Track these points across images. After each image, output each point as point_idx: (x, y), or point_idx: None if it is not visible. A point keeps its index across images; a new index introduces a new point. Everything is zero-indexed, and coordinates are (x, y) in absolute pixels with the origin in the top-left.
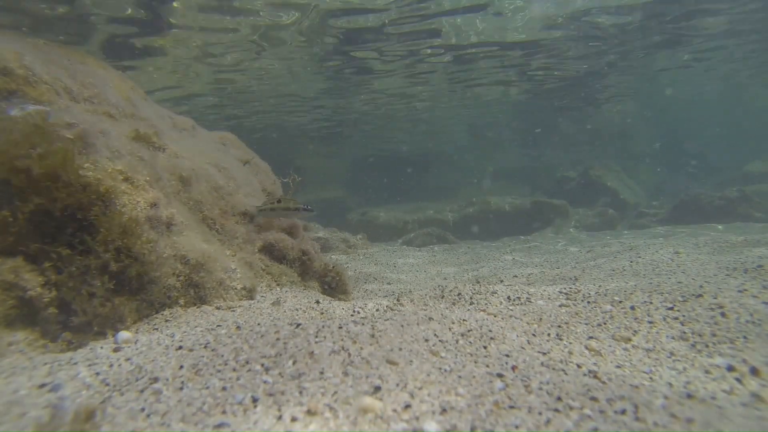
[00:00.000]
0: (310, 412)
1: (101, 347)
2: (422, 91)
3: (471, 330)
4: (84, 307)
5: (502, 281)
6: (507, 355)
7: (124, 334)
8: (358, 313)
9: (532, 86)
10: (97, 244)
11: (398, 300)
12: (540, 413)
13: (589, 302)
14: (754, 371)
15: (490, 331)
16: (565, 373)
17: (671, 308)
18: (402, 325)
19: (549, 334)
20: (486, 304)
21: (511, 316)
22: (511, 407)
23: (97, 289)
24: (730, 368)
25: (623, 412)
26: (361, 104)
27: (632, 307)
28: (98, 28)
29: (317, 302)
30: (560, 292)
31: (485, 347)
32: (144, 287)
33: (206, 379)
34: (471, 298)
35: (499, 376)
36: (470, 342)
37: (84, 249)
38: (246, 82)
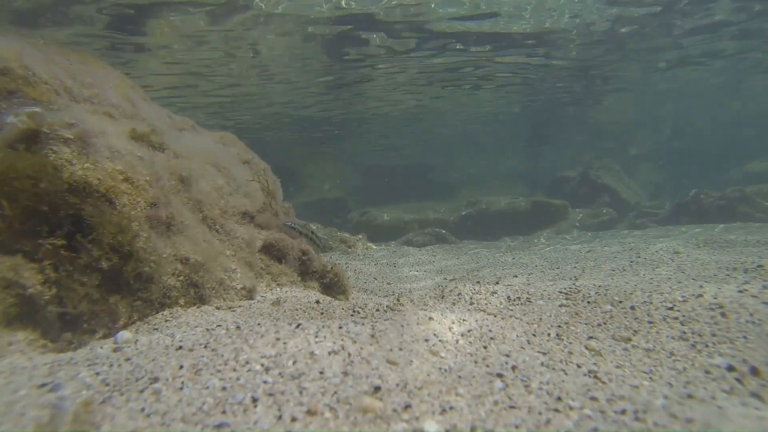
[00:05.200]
0: (310, 412)
1: (101, 347)
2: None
3: (471, 330)
4: (83, 307)
5: (501, 281)
6: (507, 355)
7: (124, 334)
8: (358, 312)
9: (533, 82)
10: (97, 243)
11: (398, 300)
12: (540, 413)
13: (589, 302)
14: (754, 371)
15: (490, 331)
16: (565, 373)
17: (671, 308)
18: (402, 325)
19: (549, 334)
20: (486, 304)
21: (511, 316)
22: (511, 407)
23: (95, 288)
24: (730, 368)
25: (623, 412)
26: (363, 105)
27: (632, 307)
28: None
29: (317, 302)
30: (560, 292)
31: (485, 347)
32: (144, 287)
33: (206, 379)
34: (471, 298)
35: (499, 376)
36: (470, 342)
37: (84, 248)
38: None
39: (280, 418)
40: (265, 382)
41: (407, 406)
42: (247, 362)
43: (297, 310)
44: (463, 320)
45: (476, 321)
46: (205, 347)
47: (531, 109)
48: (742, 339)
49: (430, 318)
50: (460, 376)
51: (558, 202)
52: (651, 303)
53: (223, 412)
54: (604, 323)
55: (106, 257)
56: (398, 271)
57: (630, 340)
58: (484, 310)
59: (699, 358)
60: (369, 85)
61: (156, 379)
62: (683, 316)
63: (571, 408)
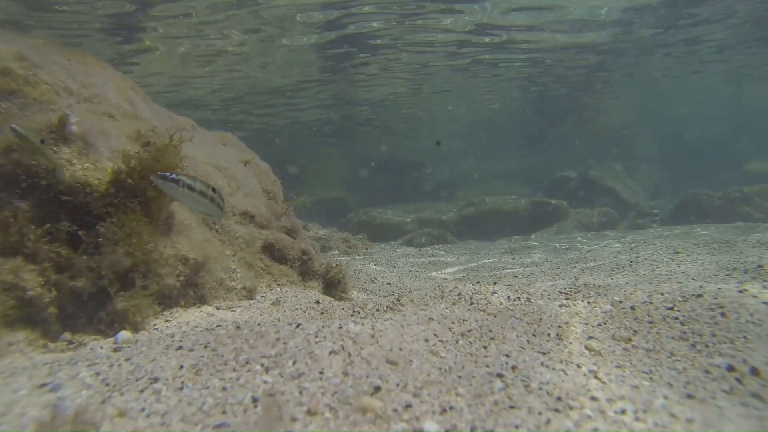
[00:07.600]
0: (310, 412)
1: (101, 347)
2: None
3: (471, 330)
4: (83, 307)
5: (501, 281)
6: (507, 355)
7: (124, 334)
8: (358, 313)
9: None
10: (97, 243)
11: (398, 300)
12: (540, 413)
13: (588, 302)
14: (754, 371)
15: (490, 331)
16: (565, 373)
17: (671, 308)
18: (402, 325)
19: (549, 334)
20: (486, 304)
21: (511, 316)
22: (511, 407)
23: (95, 288)
24: (730, 368)
25: (623, 412)
26: (363, 97)
27: (632, 307)
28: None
29: (317, 302)
30: (560, 292)
31: (485, 347)
32: (144, 287)
33: (206, 379)
34: (471, 298)
35: (499, 376)
36: (470, 342)
37: (83, 249)
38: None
39: (280, 418)
40: (265, 382)
41: (407, 406)
42: (247, 362)
43: (297, 310)
44: (463, 320)
45: (476, 321)
46: (205, 347)
47: (532, 106)
48: (742, 339)
49: (430, 318)
50: (460, 376)
51: (558, 202)
52: (651, 303)
53: (223, 412)
54: (604, 323)
55: (107, 257)
56: (398, 271)
57: (630, 340)
58: (484, 310)
59: (699, 358)
60: (367, 76)
61: (156, 379)
62: (683, 316)
63: (571, 408)
